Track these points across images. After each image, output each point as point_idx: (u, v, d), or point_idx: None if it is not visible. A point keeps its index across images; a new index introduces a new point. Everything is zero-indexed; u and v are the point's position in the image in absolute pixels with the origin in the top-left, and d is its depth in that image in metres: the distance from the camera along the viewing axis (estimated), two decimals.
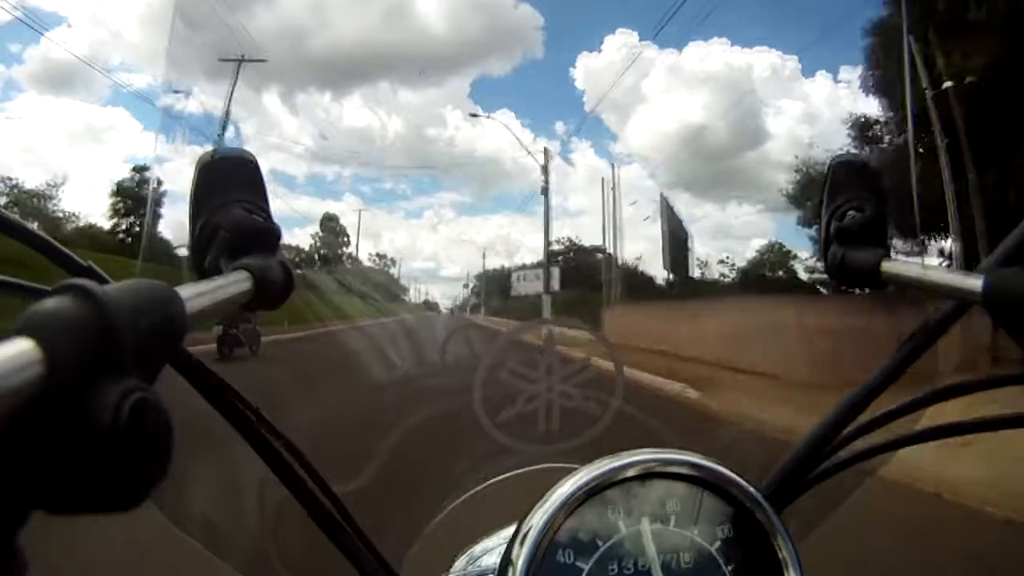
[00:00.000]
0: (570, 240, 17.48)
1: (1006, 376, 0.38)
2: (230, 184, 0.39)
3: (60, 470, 0.16)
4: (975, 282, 0.33)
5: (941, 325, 0.42)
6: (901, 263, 0.40)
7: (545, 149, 14.17)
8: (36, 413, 0.16)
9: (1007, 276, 0.32)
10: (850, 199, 0.44)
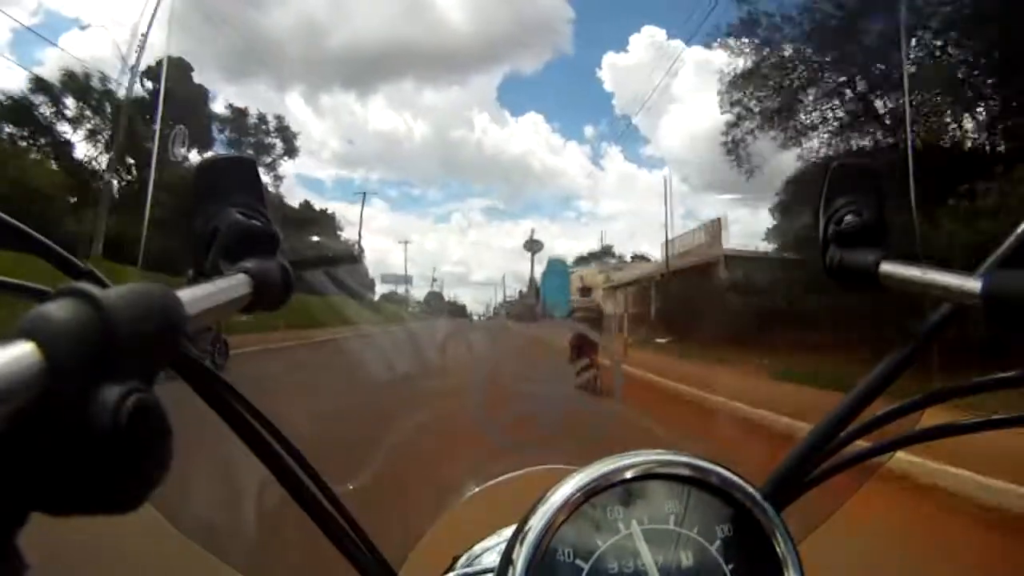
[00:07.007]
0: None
1: (1005, 377, 0.38)
2: (229, 187, 0.39)
3: (60, 471, 0.16)
4: (974, 284, 0.33)
5: (939, 327, 0.42)
6: (899, 265, 0.40)
7: None
8: (36, 415, 0.16)
9: (1006, 278, 0.32)
10: (848, 202, 0.44)
